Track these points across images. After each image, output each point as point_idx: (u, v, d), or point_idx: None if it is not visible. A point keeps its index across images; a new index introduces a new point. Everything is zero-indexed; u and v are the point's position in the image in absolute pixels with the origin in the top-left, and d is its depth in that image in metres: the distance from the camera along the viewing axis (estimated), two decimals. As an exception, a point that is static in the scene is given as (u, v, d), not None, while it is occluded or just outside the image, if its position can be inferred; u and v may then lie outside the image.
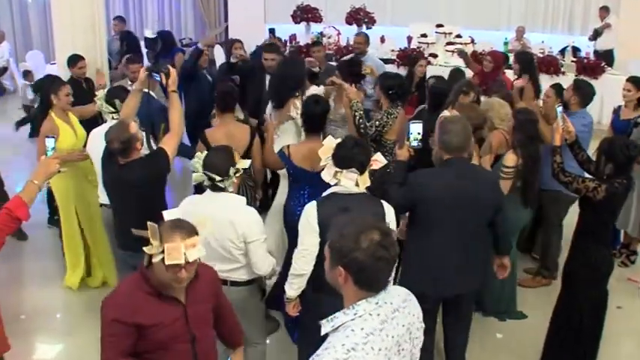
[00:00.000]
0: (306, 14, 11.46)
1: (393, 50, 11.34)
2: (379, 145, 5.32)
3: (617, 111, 6.38)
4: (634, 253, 6.31)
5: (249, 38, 8.69)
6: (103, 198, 4.56)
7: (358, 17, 11.23)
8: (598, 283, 4.24)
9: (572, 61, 10.79)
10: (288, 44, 11.28)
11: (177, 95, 4.28)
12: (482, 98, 5.70)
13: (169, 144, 4.08)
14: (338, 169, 3.46)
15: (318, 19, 11.58)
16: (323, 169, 3.68)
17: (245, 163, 3.69)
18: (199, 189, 4.05)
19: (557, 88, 5.97)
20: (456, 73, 7.06)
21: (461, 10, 13.51)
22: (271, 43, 8.10)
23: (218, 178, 3.53)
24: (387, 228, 2.22)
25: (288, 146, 4.61)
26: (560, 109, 4.45)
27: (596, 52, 11.49)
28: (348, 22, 11.39)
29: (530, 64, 6.91)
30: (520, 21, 13.10)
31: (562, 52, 11.54)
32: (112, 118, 4.73)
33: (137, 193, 3.93)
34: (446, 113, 4.75)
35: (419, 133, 4.07)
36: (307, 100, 4.79)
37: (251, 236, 3.57)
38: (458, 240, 3.78)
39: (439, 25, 11.40)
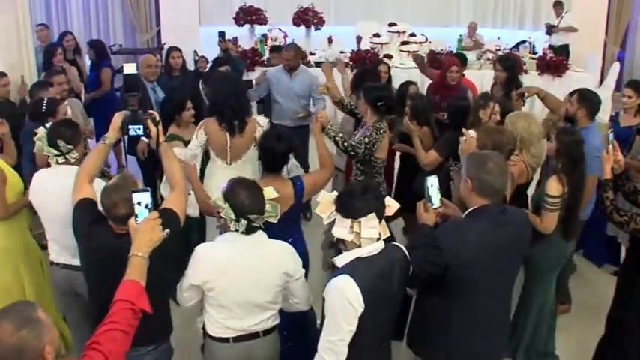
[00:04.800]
0: (249, 16, 10.57)
1: (342, 52, 10.64)
2: (368, 165, 4.72)
3: (613, 118, 5.91)
4: (639, 271, 5.86)
5: (182, 43, 7.89)
6: (56, 256, 3.82)
7: (306, 18, 10.47)
8: (648, 328, 3.75)
9: (532, 59, 10.42)
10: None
11: (168, 146, 3.38)
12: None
13: (177, 204, 3.16)
14: (354, 220, 2.78)
15: (262, 20, 10.73)
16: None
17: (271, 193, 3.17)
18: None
19: None
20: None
21: (408, 7, 12.96)
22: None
23: (259, 218, 3.06)
24: None
25: None
26: (611, 136, 3.79)
27: (551, 47, 11.15)
28: (296, 23, 10.60)
29: (515, 69, 6.48)
30: (470, 17, 12.66)
31: (516, 47, 11.17)
32: (58, 162, 3.76)
33: None
34: (471, 134, 4.10)
35: (439, 189, 3.31)
36: (267, 135, 4.05)
37: (296, 272, 3.20)
38: (496, 298, 3.16)
39: (392, 24, 10.77)
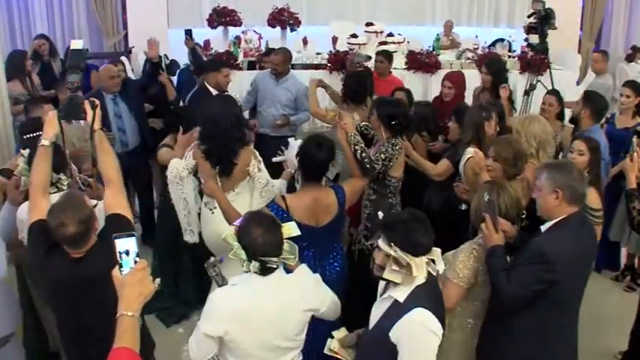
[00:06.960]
0: (224, 17, 10.20)
1: (318, 53, 10.37)
2: (382, 184, 4.51)
3: (610, 119, 5.77)
4: (640, 275, 5.72)
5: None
6: None
7: (282, 19, 10.14)
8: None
9: (510, 57, 10.26)
10: (203, 52, 10.04)
11: (103, 134, 3.13)
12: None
13: (117, 201, 2.95)
14: (414, 256, 2.72)
15: (237, 22, 10.35)
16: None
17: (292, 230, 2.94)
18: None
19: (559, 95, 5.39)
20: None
21: (382, 6, 12.69)
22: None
23: (274, 259, 2.80)
24: None
25: (284, 197, 3.75)
26: (635, 142, 3.63)
27: (530, 45, 11.01)
28: (271, 24, 10.25)
29: (502, 72, 6.34)
30: (445, 15, 12.47)
31: (493, 45, 11.01)
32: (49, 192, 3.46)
33: (103, 292, 2.50)
34: (470, 151, 3.93)
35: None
36: (308, 143, 3.91)
37: (322, 305, 3.04)
38: (578, 308, 3.18)
39: (369, 24, 10.52)
